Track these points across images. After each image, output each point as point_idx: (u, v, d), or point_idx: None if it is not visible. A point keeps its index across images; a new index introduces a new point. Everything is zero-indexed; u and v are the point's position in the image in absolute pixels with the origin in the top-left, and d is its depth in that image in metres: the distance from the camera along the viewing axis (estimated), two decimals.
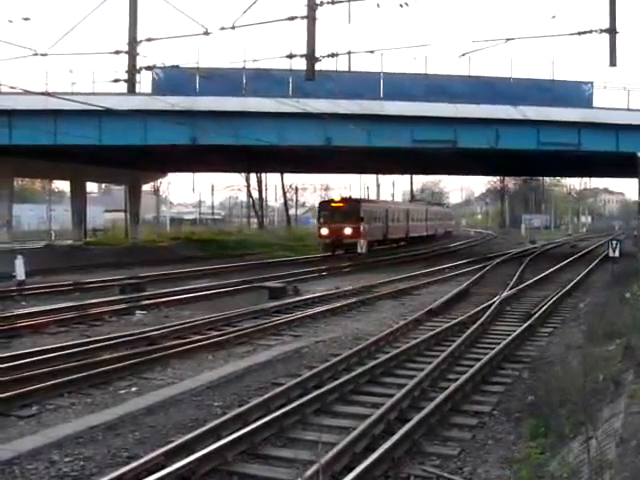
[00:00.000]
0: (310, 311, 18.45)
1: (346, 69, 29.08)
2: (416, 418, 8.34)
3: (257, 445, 7.93)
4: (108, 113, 24.40)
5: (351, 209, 42.87)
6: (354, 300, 20.55)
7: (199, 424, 8.61)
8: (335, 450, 7.14)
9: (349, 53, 24.12)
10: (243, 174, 67.61)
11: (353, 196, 50.40)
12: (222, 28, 16.95)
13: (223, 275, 29.00)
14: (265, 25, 17.41)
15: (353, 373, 10.83)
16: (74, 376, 10.74)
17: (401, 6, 16.13)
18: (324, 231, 42.58)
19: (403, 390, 9.59)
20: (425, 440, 8.19)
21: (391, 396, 9.42)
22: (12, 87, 18.61)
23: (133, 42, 17.52)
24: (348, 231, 41.60)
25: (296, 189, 79.43)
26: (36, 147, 29.62)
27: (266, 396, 9.47)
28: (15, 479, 7.04)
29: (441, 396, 9.31)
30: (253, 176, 69.03)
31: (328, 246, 42.25)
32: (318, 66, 16.83)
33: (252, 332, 15.03)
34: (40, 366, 11.38)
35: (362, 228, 42.10)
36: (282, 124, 29.14)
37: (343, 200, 44.49)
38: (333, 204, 43.95)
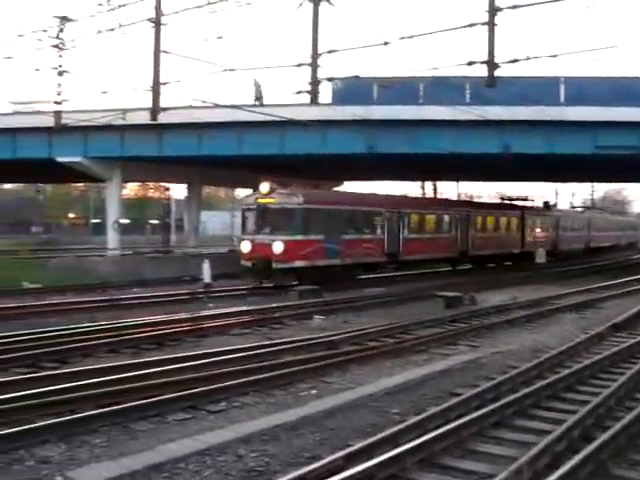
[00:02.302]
0: (487, 321, 18.22)
1: (524, 74, 28.43)
2: (602, 437, 8.00)
3: (435, 454, 7.93)
4: (290, 124, 25.33)
5: (286, 210, 25.97)
6: (532, 311, 20.01)
7: (377, 430, 8.73)
8: (517, 464, 7.00)
9: (528, 58, 23.58)
10: (419, 182, 67.47)
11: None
12: (401, 38, 17.16)
13: (398, 282, 29.22)
14: (443, 33, 17.42)
15: (533, 387, 10.55)
16: (258, 376, 11.23)
17: (588, 7, 15.62)
18: (244, 247, 26.13)
19: (587, 407, 9.23)
20: (612, 462, 7.83)
21: (574, 412, 9.11)
22: (203, 101, 19.86)
23: (315, 55, 18.11)
24: (278, 248, 25.03)
25: (471, 197, 78.33)
26: (222, 157, 31.25)
27: (444, 405, 9.44)
28: (207, 469, 7.48)
29: (629, 416, 8.86)
30: (428, 183, 68.73)
31: (253, 272, 25.82)
32: (497, 72, 16.61)
33: (429, 341, 15.06)
34: (227, 365, 12.02)
35: (304, 244, 25.70)
36: (459, 131, 28.90)
37: (273, 193, 25.99)
38: (260, 200, 26.19)
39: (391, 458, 7.38)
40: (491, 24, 16.04)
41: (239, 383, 10.79)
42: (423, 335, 15.73)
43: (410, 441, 7.88)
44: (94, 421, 8.75)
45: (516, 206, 44.26)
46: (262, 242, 25.30)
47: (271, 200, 25.80)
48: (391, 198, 34.91)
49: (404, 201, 35.20)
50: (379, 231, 30.01)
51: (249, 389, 10.71)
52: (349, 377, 11.87)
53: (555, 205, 53.63)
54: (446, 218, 35.38)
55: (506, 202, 45.00)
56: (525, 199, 45.69)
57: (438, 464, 7.76)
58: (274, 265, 24.83)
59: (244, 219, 27.39)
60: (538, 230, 45.80)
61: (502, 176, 48.72)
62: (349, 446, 7.85)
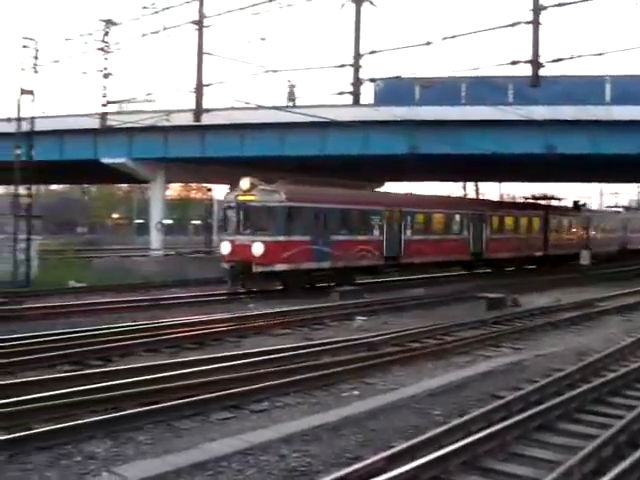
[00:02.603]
0: (530, 323, 18.02)
1: (569, 72, 28.10)
2: None
3: (479, 457, 7.86)
4: (331, 125, 25.37)
5: (268, 208, 23.86)
6: (576, 314, 19.74)
7: (420, 431, 8.70)
8: (562, 469, 6.92)
9: (572, 57, 23.30)
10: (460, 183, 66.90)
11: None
12: (444, 38, 17.07)
13: (440, 283, 29.09)
14: (486, 32, 17.29)
15: (578, 390, 10.41)
16: (299, 377, 11.26)
17: (637, 4, 15.37)
18: (224, 249, 24.30)
19: (634, 412, 9.07)
20: None
21: (621, 417, 8.96)
22: (246, 103, 20.00)
23: (357, 55, 18.11)
24: (258, 249, 23.05)
25: (513, 198, 77.45)
26: (264, 158, 31.42)
27: (487, 408, 9.36)
28: (250, 468, 7.52)
29: None
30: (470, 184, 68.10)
31: (232, 276, 23.72)
32: (541, 71, 16.43)
33: (471, 342, 14.97)
34: (268, 365, 12.07)
35: (287, 245, 23.62)
36: (502, 132, 28.64)
37: (254, 190, 24.05)
38: (240, 197, 24.33)
39: (434, 460, 7.33)
40: (536, 23, 15.89)
41: (281, 383, 10.83)
42: (465, 337, 15.65)
43: (453, 443, 7.83)
44: (139, 419, 8.87)
45: (539, 206, 42.02)
46: (242, 243, 23.45)
47: (252, 197, 23.90)
48: (391, 196, 32.27)
49: (407, 199, 32.04)
50: (377, 232, 27.58)
51: (290, 389, 10.74)
52: (391, 378, 11.84)
53: (585, 205, 50.54)
54: (456, 218, 32.70)
55: (528, 202, 42.67)
56: (551, 198, 43.32)
57: (481, 467, 7.70)
58: (254, 268, 22.95)
59: (225, 218, 25.50)
60: (564, 231, 43.31)
61: (546, 177, 48.05)
62: (391, 447, 7.83)
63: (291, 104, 29.59)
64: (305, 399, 10.44)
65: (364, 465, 7.11)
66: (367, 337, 15.06)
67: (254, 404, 10.02)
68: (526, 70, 16.51)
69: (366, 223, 27.46)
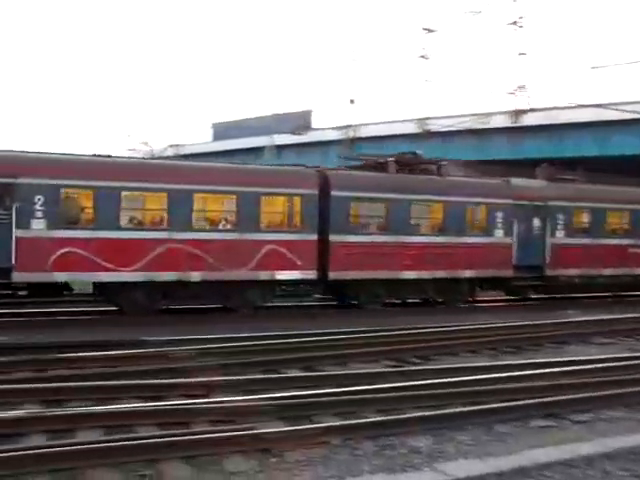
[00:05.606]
0: None
1: None
2: None
3: None
4: None
5: None
6: None
7: None
8: None
9: None
10: None
11: None
12: None
13: None
14: None
15: None
16: (628, 389, 10.68)
17: None
18: None
19: None
20: None
21: None
22: (569, 103, 19.54)
23: None
24: None
25: None
26: (583, 159, 30.07)
27: None
28: None
29: None
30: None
31: None
32: None
33: None
34: (591, 375, 11.60)
35: None
36: None
37: None
38: None
39: None
40: None
41: (606, 395, 10.39)
42: None
43: None
44: (460, 418, 9.06)
45: None
46: None
47: None
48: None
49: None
50: None
51: (617, 402, 10.23)
52: None
53: None
54: None
55: None
56: None
57: None
58: None
59: None
60: None
61: None
62: None
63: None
64: (633, 415, 9.87)
65: None
66: None
67: (575, 414, 9.68)
68: None
69: None
